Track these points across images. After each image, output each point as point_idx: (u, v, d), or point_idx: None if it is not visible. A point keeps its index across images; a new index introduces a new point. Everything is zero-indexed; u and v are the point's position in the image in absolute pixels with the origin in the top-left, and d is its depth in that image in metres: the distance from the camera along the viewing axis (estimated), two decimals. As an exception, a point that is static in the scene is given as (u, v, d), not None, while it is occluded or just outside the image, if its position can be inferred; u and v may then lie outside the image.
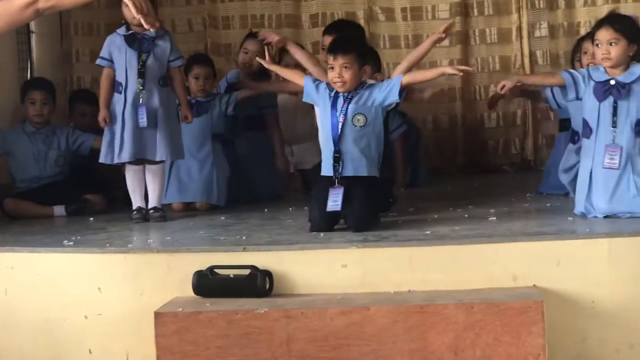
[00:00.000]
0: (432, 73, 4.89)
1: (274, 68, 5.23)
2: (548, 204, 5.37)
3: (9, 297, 4.41)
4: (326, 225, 4.53)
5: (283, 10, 7.99)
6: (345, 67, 4.53)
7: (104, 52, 5.32)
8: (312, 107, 5.35)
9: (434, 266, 4.11)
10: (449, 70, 4.76)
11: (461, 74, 4.87)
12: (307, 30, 8.17)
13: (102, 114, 5.25)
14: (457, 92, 8.18)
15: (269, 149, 6.59)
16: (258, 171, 6.32)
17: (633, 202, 4.50)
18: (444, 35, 4.99)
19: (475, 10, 8.12)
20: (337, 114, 4.62)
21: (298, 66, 5.68)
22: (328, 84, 4.70)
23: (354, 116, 4.59)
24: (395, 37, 8.25)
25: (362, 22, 7.78)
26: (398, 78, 4.64)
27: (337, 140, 4.60)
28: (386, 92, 4.64)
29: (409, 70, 4.96)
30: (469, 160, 8.17)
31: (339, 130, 4.60)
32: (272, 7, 7.98)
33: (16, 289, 4.42)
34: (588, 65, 5.13)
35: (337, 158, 4.62)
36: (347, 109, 4.58)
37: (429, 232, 4.38)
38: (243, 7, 8.06)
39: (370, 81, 4.75)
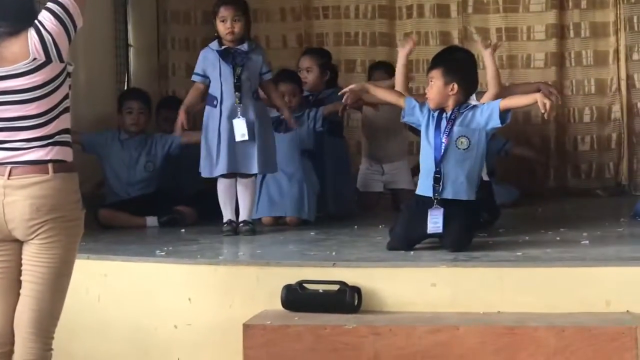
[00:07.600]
0: (527, 99, 4.84)
1: (367, 87, 5.28)
2: (642, 229, 5.45)
3: (102, 304, 4.56)
4: (407, 245, 4.57)
5: (377, 28, 8.13)
6: (430, 81, 4.64)
7: (197, 69, 5.49)
8: (403, 125, 5.42)
9: (524, 288, 4.13)
10: (541, 99, 4.61)
11: (551, 104, 4.65)
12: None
13: (181, 117, 5.42)
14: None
15: (344, 161, 6.62)
16: (332, 186, 6.36)
17: None
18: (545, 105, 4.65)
19: (572, 32, 8.13)
20: (441, 135, 4.66)
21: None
22: None
23: (457, 138, 4.64)
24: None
25: (456, 41, 7.94)
26: (497, 102, 4.67)
27: (439, 161, 4.63)
28: (487, 116, 4.67)
29: (497, 96, 4.93)
30: (560, 183, 8.22)
31: (442, 151, 4.64)
32: (366, 25, 8.14)
33: (109, 296, 4.56)
34: None
35: (438, 179, 4.64)
36: (450, 130, 4.63)
37: (519, 253, 4.43)
38: (337, 25, 8.21)
39: (473, 102, 4.78)
